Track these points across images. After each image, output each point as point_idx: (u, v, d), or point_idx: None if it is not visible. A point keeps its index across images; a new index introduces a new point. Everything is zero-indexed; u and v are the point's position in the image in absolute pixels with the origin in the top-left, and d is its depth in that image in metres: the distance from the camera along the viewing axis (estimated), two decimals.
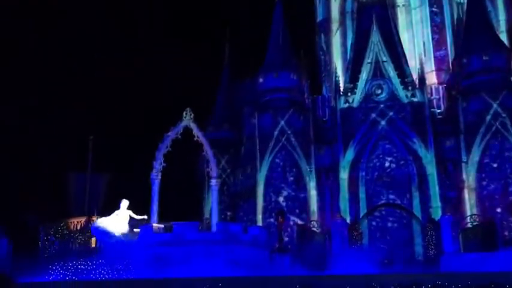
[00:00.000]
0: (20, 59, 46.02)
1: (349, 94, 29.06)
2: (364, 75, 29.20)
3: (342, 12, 35.38)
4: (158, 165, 21.79)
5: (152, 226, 20.61)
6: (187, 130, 22.54)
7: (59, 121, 42.71)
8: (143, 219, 21.08)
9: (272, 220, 27.00)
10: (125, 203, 21.10)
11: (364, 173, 27.66)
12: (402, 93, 28.57)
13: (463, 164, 27.67)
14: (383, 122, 28.21)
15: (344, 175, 27.80)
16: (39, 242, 22.96)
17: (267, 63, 30.62)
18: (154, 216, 21.47)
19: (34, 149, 39.53)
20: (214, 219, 22.00)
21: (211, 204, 23.56)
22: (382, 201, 27.20)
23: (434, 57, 32.79)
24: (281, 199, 28.06)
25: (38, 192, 35.42)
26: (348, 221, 26.09)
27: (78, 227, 23.44)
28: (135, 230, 20.67)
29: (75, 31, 50.41)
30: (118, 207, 20.96)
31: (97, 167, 26.55)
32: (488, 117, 27.33)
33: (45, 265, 19.32)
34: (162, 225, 20.82)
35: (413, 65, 30.59)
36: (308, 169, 28.76)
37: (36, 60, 47.01)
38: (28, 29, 47.75)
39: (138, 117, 45.61)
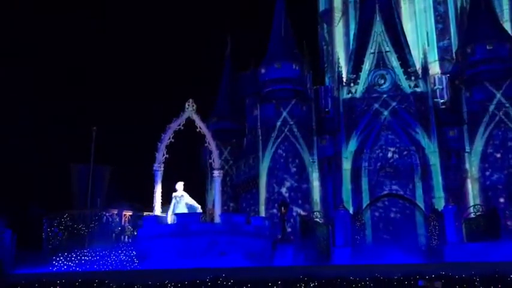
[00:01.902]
0: (23, 52, 45.98)
1: (351, 84, 28.94)
2: (367, 66, 29.04)
3: (345, 2, 35.15)
4: (161, 156, 21.77)
5: (156, 217, 20.66)
6: (190, 121, 22.50)
7: (62, 112, 42.73)
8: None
9: (275, 211, 27.00)
10: (180, 185, 21.18)
11: (367, 164, 27.57)
12: (405, 83, 28.43)
13: (466, 154, 27.59)
14: (386, 113, 28.09)
15: (347, 166, 27.72)
16: (42, 234, 23.04)
17: (269, 54, 30.48)
18: (157, 207, 21.50)
19: (37, 140, 39.57)
20: (218, 210, 22.03)
21: (214, 195, 23.59)
22: (385, 192, 27.13)
23: (438, 47, 32.58)
24: (284, 190, 28.05)
25: (41, 183, 35.52)
26: (351, 211, 26.06)
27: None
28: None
29: (79, 24, 50.31)
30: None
31: (100, 158, 26.56)
32: (492, 107, 27.21)
33: (49, 256, 19.42)
34: (166, 216, 20.87)
35: (416, 55, 30.38)
36: (311, 160, 28.72)
37: (39, 53, 46.95)
38: (30, 21, 47.63)
39: (141, 108, 45.58)
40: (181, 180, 21.32)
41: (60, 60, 47.02)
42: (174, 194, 21.14)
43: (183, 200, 20.93)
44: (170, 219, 20.70)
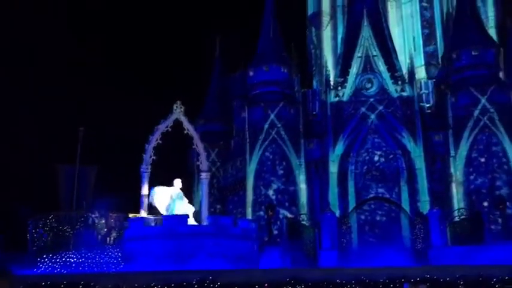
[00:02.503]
0: (12, 51, 45.53)
1: (339, 88, 29.13)
2: (354, 70, 29.26)
3: (333, 6, 35.40)
4: (148, 157, 21.70)
5: (142, 219, 20.58)
6: (178, 123, 22.47)
7: (49, 112, 42.38)
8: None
9: (262, 213, 27.08)
10: (178, 182, 21.02)
11: (353, 167, 27.77)
12: (392, 87, 28.69)
13: (451, 159, 27.92)
14: (372, 116, 28.32)
15: (333, 169, 27.88)
16: (27, 235, 22.77)
17: (258, 57, 30.57)
18: (144, 209, 21.43)
19: (23, 140, 39.19)
20: (204, 212, 22.00)
21: (201, 197, 23.55)
22: (371, 195, 27.33)
23: (424, 52, 32.96)
24: (271, 192, 28.10)
25: (27, 184, 35.17)
26: (337, 214, 26.19)
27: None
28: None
29: (67, 24, 49.97)
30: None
31: (86, 159, 26.36)
32: (476, 112, 27.57)
33: (33, 258, 19.24)
34: (152, 218, 20.79)
35: (403, 59, 30.71)
36: (298, 162, 28.81)
37: (28, 53, 46.54)
38: (20, 19, 47.19)
39: (128, 109, 45.34)
40: (176, 179, 21.23)
41: (53, 60, 46.62)
42: (172, 189, 21.07)
43: (183, 199, 20.90)
44: (157, 200, 20.62)
